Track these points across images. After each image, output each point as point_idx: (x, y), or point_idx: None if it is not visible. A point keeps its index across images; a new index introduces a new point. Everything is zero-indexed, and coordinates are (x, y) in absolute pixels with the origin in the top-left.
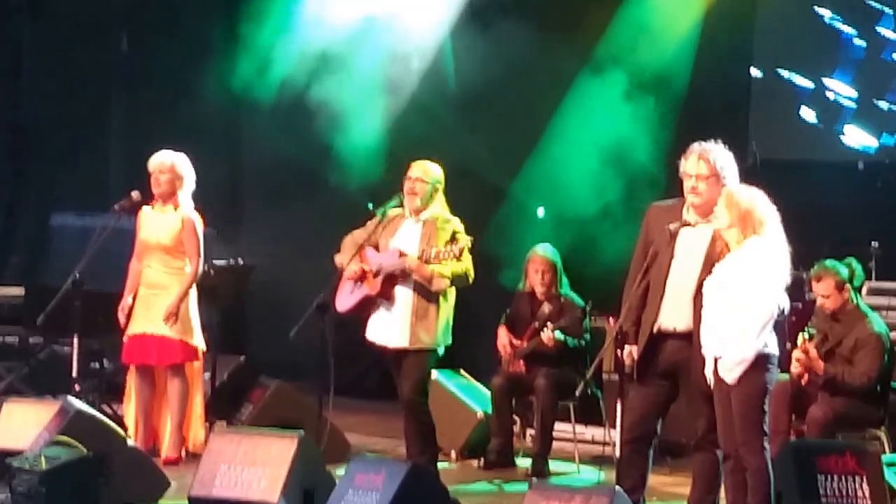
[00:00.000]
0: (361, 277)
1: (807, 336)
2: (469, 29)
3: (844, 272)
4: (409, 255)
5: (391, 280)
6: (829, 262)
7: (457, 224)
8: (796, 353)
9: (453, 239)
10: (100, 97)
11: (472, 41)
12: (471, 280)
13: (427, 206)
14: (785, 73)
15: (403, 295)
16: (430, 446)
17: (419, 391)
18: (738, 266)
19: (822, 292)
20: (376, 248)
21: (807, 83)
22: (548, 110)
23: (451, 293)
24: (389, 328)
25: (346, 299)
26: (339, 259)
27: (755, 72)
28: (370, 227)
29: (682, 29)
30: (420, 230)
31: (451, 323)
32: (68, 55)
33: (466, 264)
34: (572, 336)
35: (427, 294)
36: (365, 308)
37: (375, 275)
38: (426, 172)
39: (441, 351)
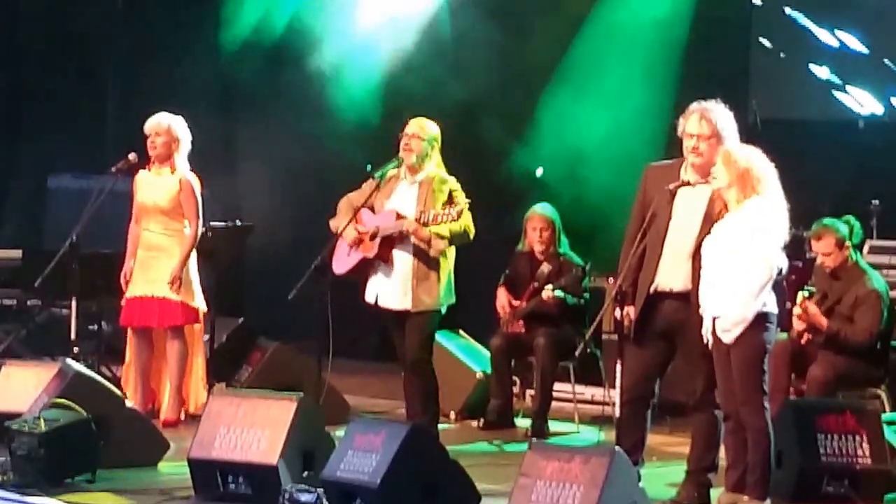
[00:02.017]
0: (358, 242)
1: (806, 294)
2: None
3: (844, 230)
4: (406, 217)
5: (388, 242)
6: (828, 220)
7: (453, 183)
8: (796, 311)
9: (451, 199)
10: (96, 58)
11: (470, 2)
12: (471, 237)
13: (423, 165)
14: (787, 10)
15: (403, 258)
16: (432, 406)
17: (424, 351)
18: (738, 226)
19: (823, 250)
20: (372, 210)
21: (809, 24)
22: (548, 67)
23: (451, 251)
24: (391, 291)
25: (342, 262)
26: (335, 223)
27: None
28: (366, 189)
29: None
30: (416, 192)
31: (452, 281)
32: (64, 16)
33: (465, 222)
34: (572, 295)
35: (426, 256)
36: (362, 271)
37: (372, 237)
38: (422, 129)
39: (444, 310)
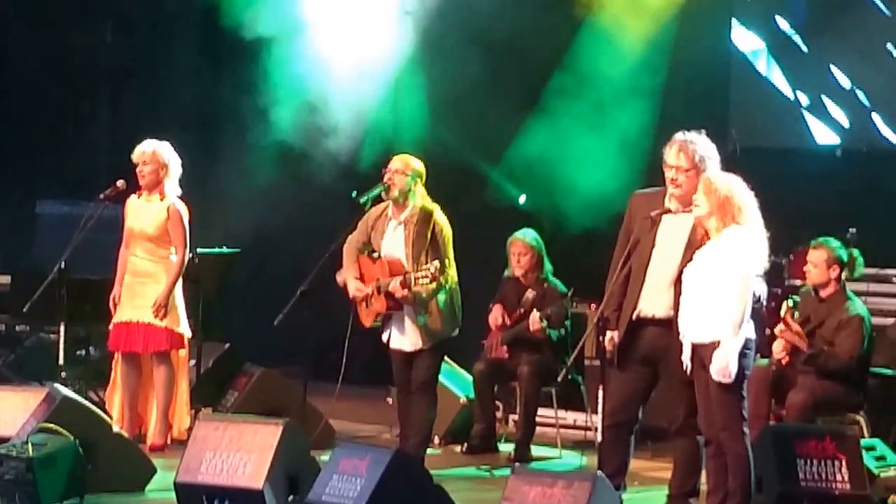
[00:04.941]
0: (367, 299)
1: (790, 304)
2: (446, 21)
3: (842, 253)
4: (397, 270)
5: (392, 294)
6: (830, 239)
7: (437, 215)
8: (778, 329)
9: (434, 239)
10: (85, 86)
11: (453, 31)
12: (447, 284)
13: (407, 200)
14: (767, 40)
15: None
16: (425, 430)
17: (432, 377)
18: (717, 254)
19: (812, 260)
20: (371, 252)
21: (789, 55)
22: (530, 95)
23: (451, 276)
24: (402, 334)
25: (365, 317)
26: (341, 277)
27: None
28: (362, 228)
29: (661, 10)
30: (403, 233)
31: (456, 306)
32: (54, 44)
33: (444, 278)
34: (555, 327)
35: (423, 296)
36: (385, 319)
37: (377, 292)
38: (406, 165)
39: (455, 332)
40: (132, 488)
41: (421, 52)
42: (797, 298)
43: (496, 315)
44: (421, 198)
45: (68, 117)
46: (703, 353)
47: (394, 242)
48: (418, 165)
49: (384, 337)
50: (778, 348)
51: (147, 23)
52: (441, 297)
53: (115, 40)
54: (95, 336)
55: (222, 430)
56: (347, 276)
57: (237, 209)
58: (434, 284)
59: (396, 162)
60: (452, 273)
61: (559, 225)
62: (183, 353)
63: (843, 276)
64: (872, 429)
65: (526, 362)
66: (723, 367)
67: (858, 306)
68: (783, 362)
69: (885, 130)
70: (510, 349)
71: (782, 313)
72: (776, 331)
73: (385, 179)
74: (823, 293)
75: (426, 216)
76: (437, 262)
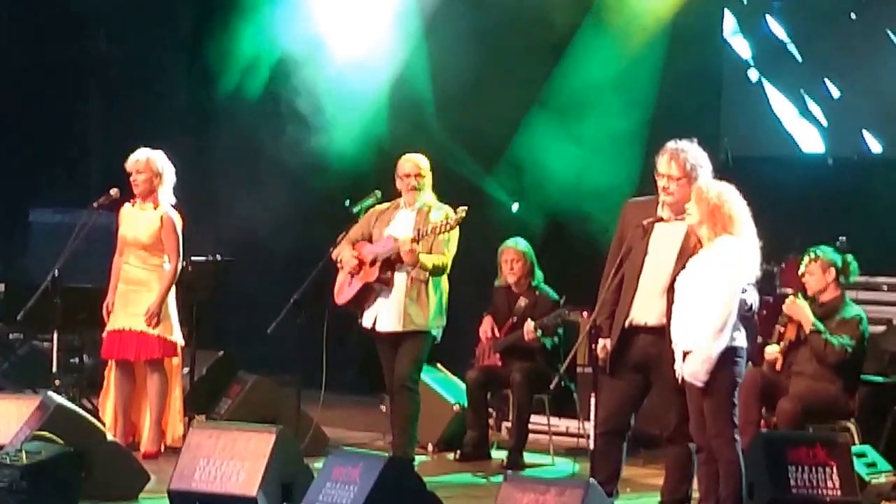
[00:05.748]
0: (359, 268)
1: (813, 255)
2: (443, 27)
3: (836, 258)
4: (401, 237)
5: (388, 266)
6: (823, 247)
7: (448, 210)
8: (786, 303)
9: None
10: (79, 93)
11: (447, 39)
12: (445, 270)
13: (423, 196)
14: (758, 49)
15: (399, 281)
16: (409, 429)
17: (413, 371)
18: (707, 263)
19: (810, 269)
20: (370, 241)
21: (781, 65)
22: (523, 104)
23: (444, 277)
24: (387, 314)
25: (345, 292)
26: (336, 251)
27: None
28: (363, 222)
29: (654, 20)
30: (414, 217)
31: (444, 306)
32: (46, 52)
33: (445, 259)
34: (549, 335)
35: (419, 278)
36: (363, 299)
37: (372, 263)
38: (421, 166)
39: (437, 333)
40: (126, 496)
41: (418, 57)
42: (819, 253)
43: (486, 328)
44: (431, 195)
45: (61, 125)
46: None
47: (402, 225)
48: (426, 162)
49: (367, 321)
50: (772, 350)
51: (140, 31)
52: (433, 287)
53: (108, 48)
54: (89, 344)
55: (216, 437)
56: (343, 248)
57: (230, 217)
58: (447, 235)
59: (410, 166)
60: (445, 276)
61: (551, 232)
62: (176, 360)
63: (840, 280)
64: (863, 436)
65: (518, 370)
66: (696, 370)
67: (857, 309)
68: (777, 367)
69: (872, 140)
70: (503, 356)
71: (801, 270)
72: (785, 305)
73: (406, 186)
74: (823, 298)
75: (439, 209)
76: (462, 212)
